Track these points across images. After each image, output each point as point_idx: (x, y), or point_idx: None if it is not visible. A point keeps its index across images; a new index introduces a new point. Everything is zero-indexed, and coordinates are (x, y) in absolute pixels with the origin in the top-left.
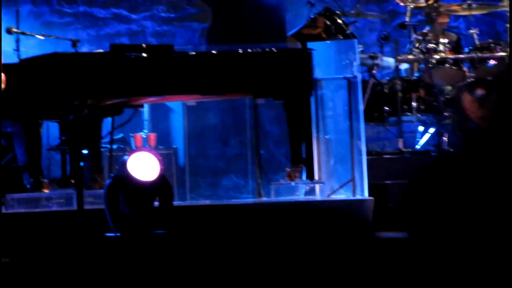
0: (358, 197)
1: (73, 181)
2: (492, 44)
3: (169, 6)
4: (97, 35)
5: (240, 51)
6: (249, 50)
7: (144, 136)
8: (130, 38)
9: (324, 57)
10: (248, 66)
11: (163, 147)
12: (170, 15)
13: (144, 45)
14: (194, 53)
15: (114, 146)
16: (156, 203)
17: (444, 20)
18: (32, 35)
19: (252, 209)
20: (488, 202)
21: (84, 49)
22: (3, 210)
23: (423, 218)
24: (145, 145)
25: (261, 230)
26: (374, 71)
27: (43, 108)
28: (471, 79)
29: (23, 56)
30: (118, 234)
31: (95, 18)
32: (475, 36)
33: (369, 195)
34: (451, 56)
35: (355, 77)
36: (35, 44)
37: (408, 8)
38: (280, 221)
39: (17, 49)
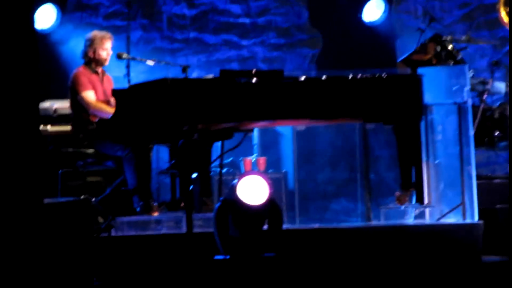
0: (468, 221)
1: (182, 204)
2: None
3: (279, 32)
4: (207, 61)
5: (350, 76)
6: (359, 76)
7: (254, 160)
8: (240, 63)
9: (434, 83)
10: (358, 91)
11: (272, 170)
12: (280, 41)
13: (254, 71)
14: (304, 78)
15: (224, 170)
16: (266, 226)
17: None
18: (142, 61)
19: (361, 232)
20: None
21: (194, 74)
22: (114, 233)
23: None
24: (254, 169)
25: (370, 254)
26: (484, 97)
27: (153, 132)
28: None
29: (134, 81)
30: (228, 257)
31: (205, 44)
32: None
33: (479, 219)
34: None
35: (465, 102)
36: (145, 70)
37: None
38: (389, 245)
39: (128, 75)
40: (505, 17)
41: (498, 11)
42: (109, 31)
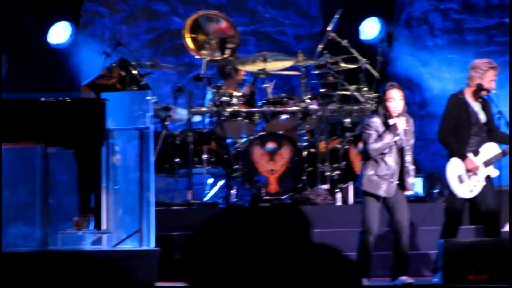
0: (145, 247)
1: None
2: (285, 99)
3: None
4: None
5: (31, 99)
6: (42, 99)
7: None
8: None
9: (117, 108)
10: (40, 115)
11: None
12: None
13: None
14: None
15: None
16: None
17: (241, 74)
18: None
19: (36, 257)
20: (275, 253)
21: None
22: None
23: (205, 268)
24: None
25: (47, 279)
26: (166, 123)
27: None
28: (262, 132)
29: None
30: None
31: None
32: (269, 90)
33: (156, 246)
34: (244, 110)
35: (147, 128)
36: None
37: (204, 61)
38: (66, 270)
39: None
40: (190, 43)
41: (184, 37)
42: None
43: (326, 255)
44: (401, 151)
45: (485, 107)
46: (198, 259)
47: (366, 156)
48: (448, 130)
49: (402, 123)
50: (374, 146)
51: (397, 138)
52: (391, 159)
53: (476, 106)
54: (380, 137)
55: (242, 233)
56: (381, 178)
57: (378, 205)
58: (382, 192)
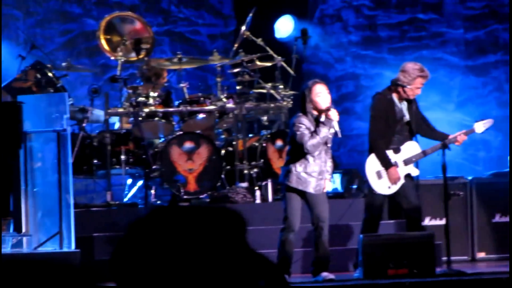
0: (65, 249)
1: None
2: (201, 98)
3: None
4: None
5: None
6: None
7: None
8: None
9: (34, 110)
10: None
11: None
12: None
13: None
14: None
15: None
16: None
17: (163, 79)
18: None
19: None
20: (207, 253)
21: None
22: None
23: (133, 269)
24: None
25: None
26: (84, 124)
27: None
28: (180, 132)
29: None
30: None
31: None
32: (185, 90)
33: (76, 247)
34: (161, 110)
35: (64, 130)
36: None
37: (119, 62)
38: None
39: None
40: (105, 45)
41: (98, 39)
42: None
43: (251, 255)
44: (326, 149)
45: (410, 106)
46: (127, 260)
47: (295, 154)
48: (379, 133)
49: (335, 114)
50: (312, 142)
51: (332, 130)
52: (319, 157)
53: (401, 105)
54: (315, 132)
55: (172, 233)
56: (310, 176)
57: (300, 203)
58: (311, 189)
